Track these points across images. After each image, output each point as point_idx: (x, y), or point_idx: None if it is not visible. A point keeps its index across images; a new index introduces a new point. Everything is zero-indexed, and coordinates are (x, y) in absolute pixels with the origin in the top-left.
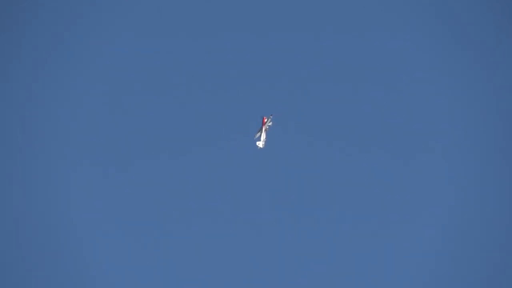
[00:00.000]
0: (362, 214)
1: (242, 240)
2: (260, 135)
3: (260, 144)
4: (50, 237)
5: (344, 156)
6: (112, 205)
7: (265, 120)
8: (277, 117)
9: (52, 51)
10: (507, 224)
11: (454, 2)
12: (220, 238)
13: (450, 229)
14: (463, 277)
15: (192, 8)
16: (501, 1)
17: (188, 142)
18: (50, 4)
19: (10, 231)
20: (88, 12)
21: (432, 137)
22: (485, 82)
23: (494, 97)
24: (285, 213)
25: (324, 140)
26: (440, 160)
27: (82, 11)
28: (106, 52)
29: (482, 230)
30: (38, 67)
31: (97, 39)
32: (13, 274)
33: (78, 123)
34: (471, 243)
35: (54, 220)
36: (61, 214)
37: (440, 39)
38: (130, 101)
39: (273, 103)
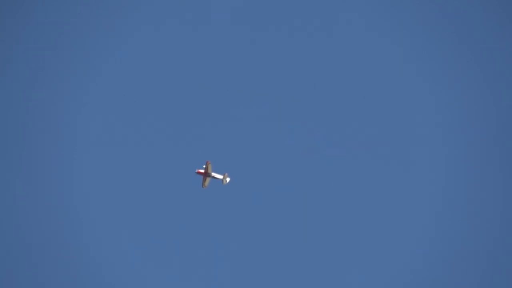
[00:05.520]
0: (356, 212)
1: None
2: (211, 178)
3: (225, 180)
4: (56, 234)
5: (338, 155)
6: (116, 203)
7: (201, 171)
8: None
9: (53, 50)
10: (502, 223)
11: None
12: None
13: (443, 227)
14: (460, 277)
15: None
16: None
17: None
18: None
19: (14, 228)
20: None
21: (425, 134)
22: (482, 83)
23: (491, 97)
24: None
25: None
26: (436, 158)
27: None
28: (109, 51)
29: (477, 230)
30: (42, 65)
31: (99, 38)
32: (16, 272)
33: (83, 118)
34: (467, 242)
35: (60, 217)
36: (67, 210)
37: (434, 38)
38: (131, 99)
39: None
